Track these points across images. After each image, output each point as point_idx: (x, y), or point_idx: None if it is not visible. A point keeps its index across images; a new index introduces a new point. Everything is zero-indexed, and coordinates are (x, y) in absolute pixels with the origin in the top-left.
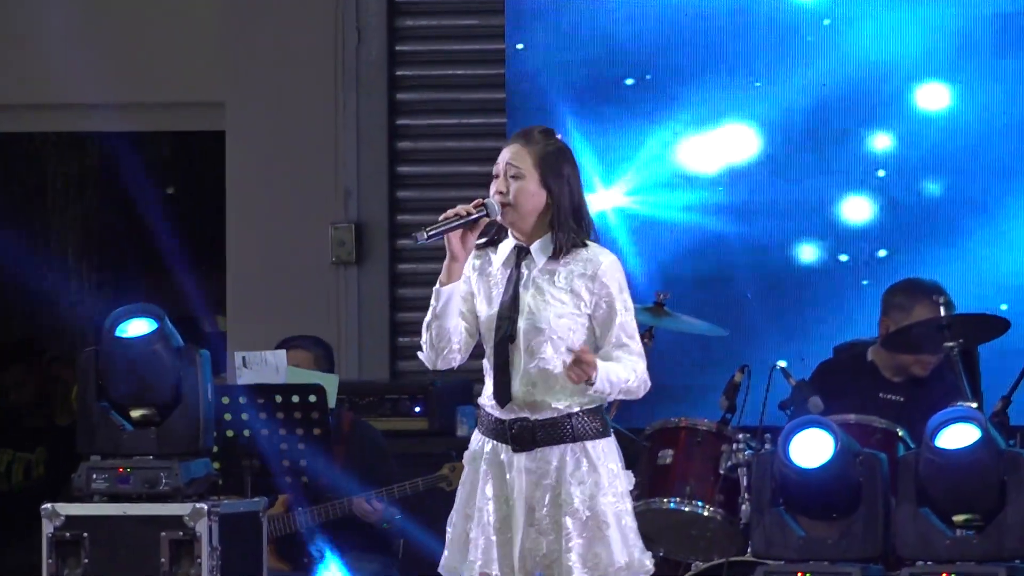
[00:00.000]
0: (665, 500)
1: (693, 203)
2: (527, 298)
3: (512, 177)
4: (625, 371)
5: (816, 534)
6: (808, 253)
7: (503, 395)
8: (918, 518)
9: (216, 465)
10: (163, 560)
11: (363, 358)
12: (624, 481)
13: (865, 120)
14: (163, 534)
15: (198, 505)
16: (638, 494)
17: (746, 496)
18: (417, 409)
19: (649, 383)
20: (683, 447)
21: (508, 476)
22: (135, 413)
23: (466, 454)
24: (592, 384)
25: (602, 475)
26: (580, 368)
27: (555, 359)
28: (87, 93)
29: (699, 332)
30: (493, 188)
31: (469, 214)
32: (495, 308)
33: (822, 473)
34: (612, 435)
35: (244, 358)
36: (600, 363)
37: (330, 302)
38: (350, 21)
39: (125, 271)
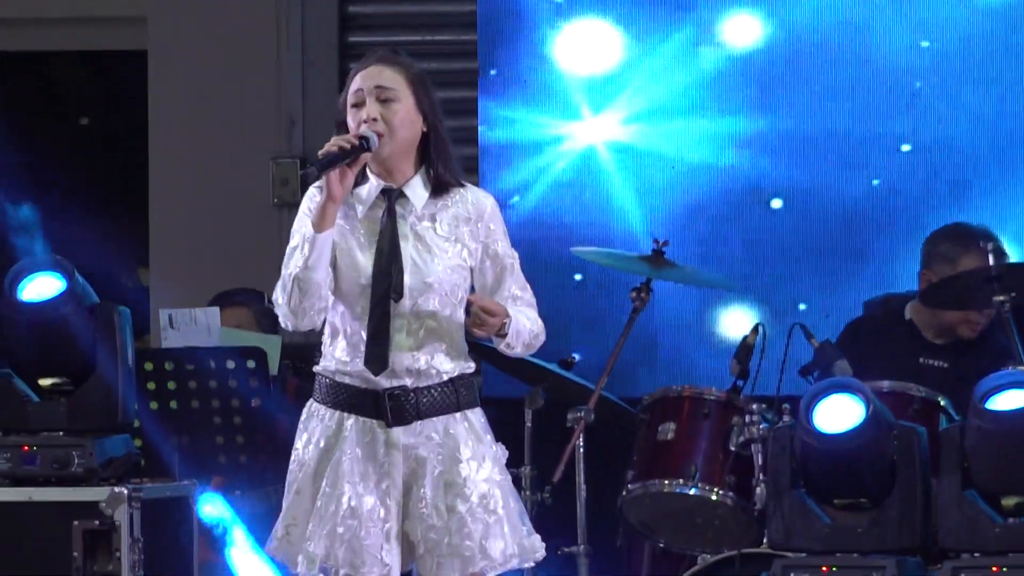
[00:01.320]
0: (666, 482)
1: (701, 132)
2: (408, 249)
3: (385, 101)
4: (529, 321)
5: (843, 522)
6: (835, 184)
7: (379, 362)
8: (963, 503)
9: (138, 443)
10: (76, 554)
11: None
12: (502, 454)
13: (906, 23)
14: (76, 523)
15: (116, 489)
16: (634, 475)
17: (761, 477)
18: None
19: (544, 335)
20: (687, 420)
21: (382, 455)
22: (44, 382)
23: (310, 432)
24: (504, 336)
25: (487, 447)
26: (487, 318)
27: (442, 316)
28: None
29: (705, 285)
30: (357, 118)
31: (353, 147)
32: (368, 261)
33: (851, 443)
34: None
35: (170, 317)
36: (511, 311)
37: (271, 250)
38: None
39: (28, 215)
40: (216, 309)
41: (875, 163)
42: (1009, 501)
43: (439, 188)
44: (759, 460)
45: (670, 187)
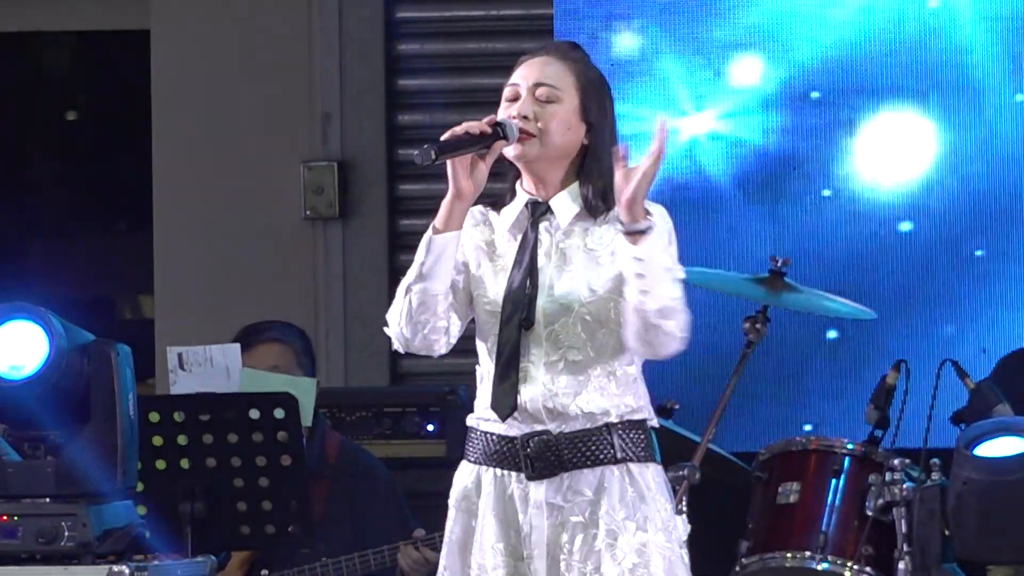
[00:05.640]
0: (789, 555)
1: (833, 124)
2: (549, 270)
3: (546, 101)
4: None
5: None
6: (993, 200)
7: (505, 402)
8: None
9: (142, 510)
10: None
11: (351, 355)
12: (680, 527)
13: None
14: None
15: (116, 568)
16: (750, 546)
17: (905, 548)
18: (430, 427)
19: (686, 330)
20: (814, 479)
21: (522, 517)
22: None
23: (453, 495)
24: (645, 228)
25: (652, 509)
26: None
27: (590, 347)
28: None
29: (835, 314)
30: (509, 111)
31: (484, 134)
32: (502, 285)
33: (1020, 472)
34: (660, 462)
35: (180, 356)
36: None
37: (303, 274)
38: None
39: (7, 231)
40: (236, 346)
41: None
42: None
43: (595, 207)
44: (902, 527)
45: (796, 195)
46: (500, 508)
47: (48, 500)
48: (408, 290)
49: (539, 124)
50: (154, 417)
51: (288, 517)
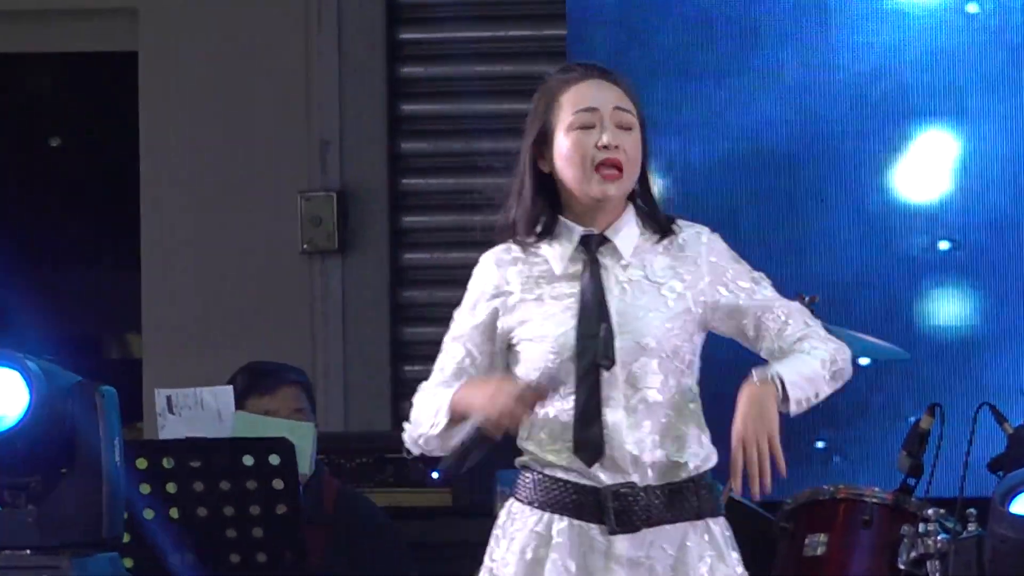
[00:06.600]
0: None
1: (859, 151)
2: (617, 306)
3: (626, 128)
4: (813, 359)
5: None
6: None
7: (592, 448)
8: None
9: (128, 563)
10: None
11: (351, 397)
12: None
13: None
14: None
15: None
16: None
17: None
18: (435, 475)
19: (846, 354)
20: (842, 530)
21: (603, 572)
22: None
23: (517, 540)
24: (774, 387)
25: (728, 569)
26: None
27: (665, 387)
28: None
29: (867, 354)
30: (588, 143)
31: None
32: (566, 325)
33: None
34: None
35: (169, 399)
36: (781, 368)
37: (300, 310)
38: None
39: None
40: (228, 389)
41: None
42: None
43: (664, 231)
44: None
45: (823, 228)
46: (576, 561)
47: (29, 552)
48: (417, 440)
49: (627, 155)
50: (141, 463)
51: (283, 569)
